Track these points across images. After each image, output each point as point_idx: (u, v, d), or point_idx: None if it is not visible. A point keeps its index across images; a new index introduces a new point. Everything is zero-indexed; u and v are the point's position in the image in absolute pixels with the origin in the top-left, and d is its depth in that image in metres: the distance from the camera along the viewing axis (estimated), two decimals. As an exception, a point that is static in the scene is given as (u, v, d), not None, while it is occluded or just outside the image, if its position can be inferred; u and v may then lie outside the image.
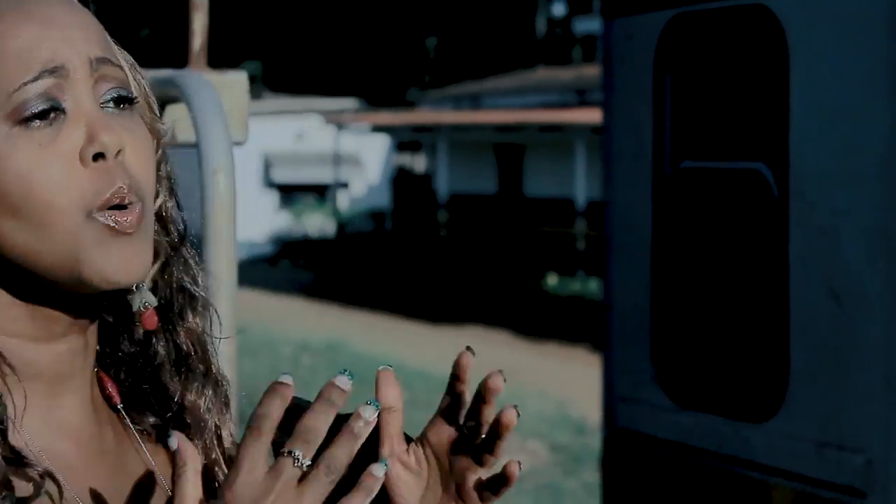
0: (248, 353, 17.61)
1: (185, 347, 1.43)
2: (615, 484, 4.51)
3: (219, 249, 2.81)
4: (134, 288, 1.36)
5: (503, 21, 46.05)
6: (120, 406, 1.43)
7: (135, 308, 1.37)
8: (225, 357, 2.85)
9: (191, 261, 1.44)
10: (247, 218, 25.23)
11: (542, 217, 28.07)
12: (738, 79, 4.00)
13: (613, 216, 4.47)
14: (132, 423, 1.43)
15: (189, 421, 1.43)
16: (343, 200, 36.56)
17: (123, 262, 1.31)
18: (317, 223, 36.35)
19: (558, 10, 46.08)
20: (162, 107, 3.15)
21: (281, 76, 46.30)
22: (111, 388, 1.43)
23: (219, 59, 3.25)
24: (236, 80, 3.19)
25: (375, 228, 33.67)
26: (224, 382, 1.48)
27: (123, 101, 1.34)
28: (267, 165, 36.80)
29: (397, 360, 18.69)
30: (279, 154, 36.50)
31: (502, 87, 34.21)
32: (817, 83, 3.62)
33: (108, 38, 1.38)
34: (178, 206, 1.44)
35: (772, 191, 3.76)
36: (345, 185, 36.47)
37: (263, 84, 43.00)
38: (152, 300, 1.38)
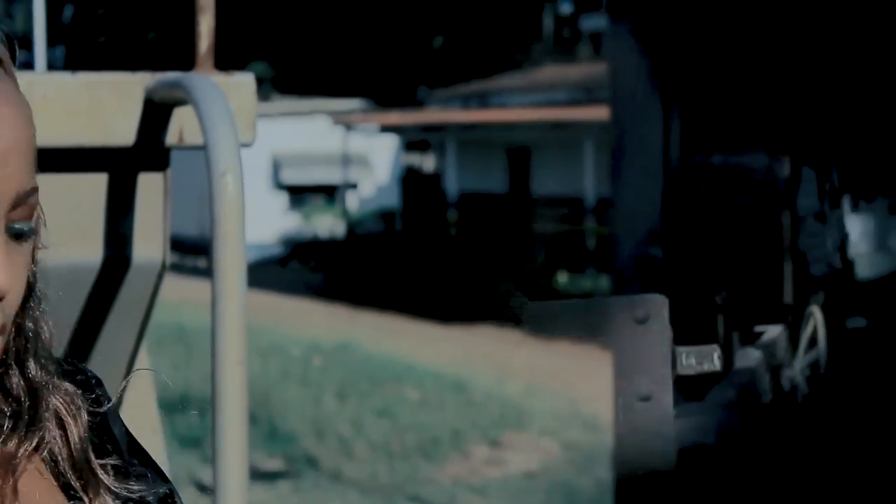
0: (259, 354, 17.60)
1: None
2: (628, 481, 4.50)
3: (228, 251, 2.81)
4: None
5: (510, 19, 46.02)
6: None
7: None
8: (234, 359, 2.85)
9: (37, 330, 1.36)
10: (256, 220, 25.20)
11: (551, 215, 28.04)
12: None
13: (623, 213, 4.46)
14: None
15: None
16: (352, 201, 36.53)
17: None
18: (326, 224, 36.32)
19: (565, 7, 46.04)
20: (169, 109, 3.16)
21: (288, 77, 46.29)
22: None
23: (226, 60, 3.25)
24: (244, 82, 3.19)
25: (385, 229, 33.63)
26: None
27: (25, 236, 1.28)
28: (275, 167, 36.79)
29: (408, 360, 18.66)
30: (288, 155, 36.49)
31: (510, 86, 34.16)
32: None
33: (34, 137, 1.30)
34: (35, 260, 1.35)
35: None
36: (354, 186, 36.44)
37: (271, 85, 42.99)
38: None
